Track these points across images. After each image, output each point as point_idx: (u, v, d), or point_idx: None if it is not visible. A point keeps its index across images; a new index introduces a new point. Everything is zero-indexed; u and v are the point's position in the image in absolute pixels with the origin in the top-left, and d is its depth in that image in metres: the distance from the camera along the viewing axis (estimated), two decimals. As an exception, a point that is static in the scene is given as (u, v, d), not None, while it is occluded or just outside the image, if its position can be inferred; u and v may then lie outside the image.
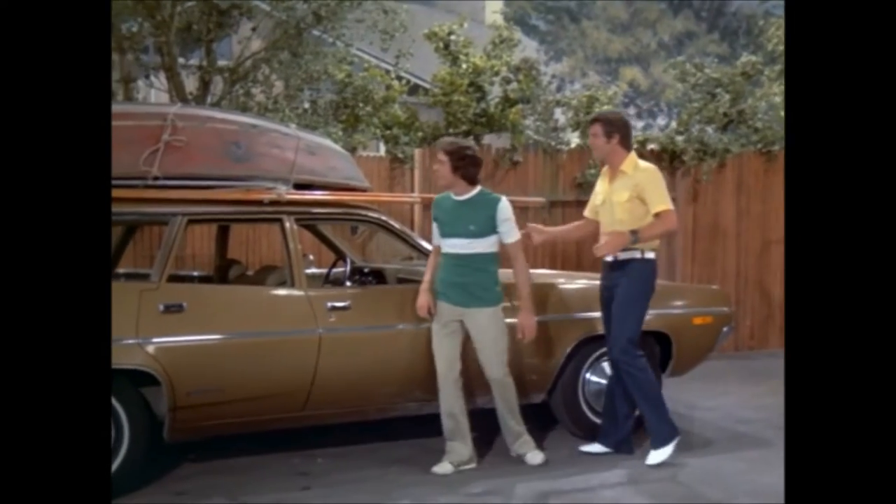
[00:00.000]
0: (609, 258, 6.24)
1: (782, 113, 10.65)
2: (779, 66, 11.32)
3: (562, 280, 7.07)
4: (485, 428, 6.41)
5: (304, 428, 6.40)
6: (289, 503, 5.54)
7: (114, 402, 5.45)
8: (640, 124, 26.00)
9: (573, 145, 10.82)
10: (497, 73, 10.46)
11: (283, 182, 6.18)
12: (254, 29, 10.45)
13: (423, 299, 6.10)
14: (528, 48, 15.60)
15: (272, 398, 5.90)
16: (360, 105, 10.13)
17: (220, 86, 10.28)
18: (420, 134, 9.95)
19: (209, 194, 5.95)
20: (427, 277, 6.16)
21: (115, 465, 5.48)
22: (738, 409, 7.84)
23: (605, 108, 10.35)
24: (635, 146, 10.22)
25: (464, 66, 10.32)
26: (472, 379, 6.15)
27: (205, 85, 10.16)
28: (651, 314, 6.86)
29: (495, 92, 10.53)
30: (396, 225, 6.52)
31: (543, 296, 6.64)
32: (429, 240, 6.44)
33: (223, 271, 7.27)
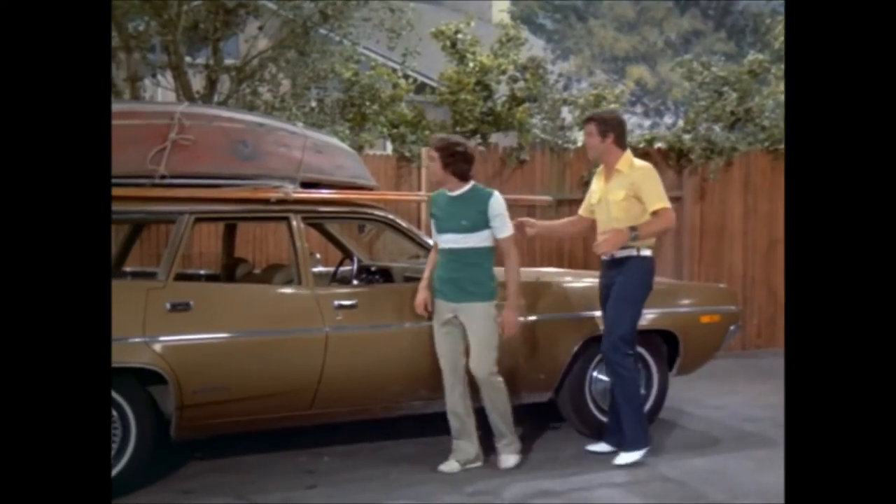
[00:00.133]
0: (606, 256, 6.24)
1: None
2: (786, 65, 11.31)
3: (569, 278, 7.07)
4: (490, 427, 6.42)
5: (311, 426, 6.41)
6: (295, 501, 5.54)
7: (121, 400, 5.46)
8: (646, 123, 25.96)
9: (580, 144, 10.79)
10: (504, 72, 10.47)
11: (290, 180, 6.18)
12: (260, 28, 10.47)
13: (420, 296, 6.11)
14: (535, 47, 15.63)
15: (279, 397, 5.90)
16: (367, 103, 10.14)
17: (227, 84, 10.30)
18: (427, 132, 9.95)
19: (216, 193, 5.95)
20: (426, 274, 6.17)
21: (122, 464, 5.49)
22: (744, 408, 7.82)
23: (612, 106, 10.36)
24: (642, 145, 10.32)
25: (471, 64, 10.33)
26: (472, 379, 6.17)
27: (211, 84, 10.17)
28: (658, 312, 6.88)
29: (502, 90, 10.53)
30: (403, 223, 6.51)
31: (550, 294, 6.64)
32: (435, 238, 6.44)
33: (230, 270, 7.27)
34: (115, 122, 5.71)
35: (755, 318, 10.74)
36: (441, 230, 6.05)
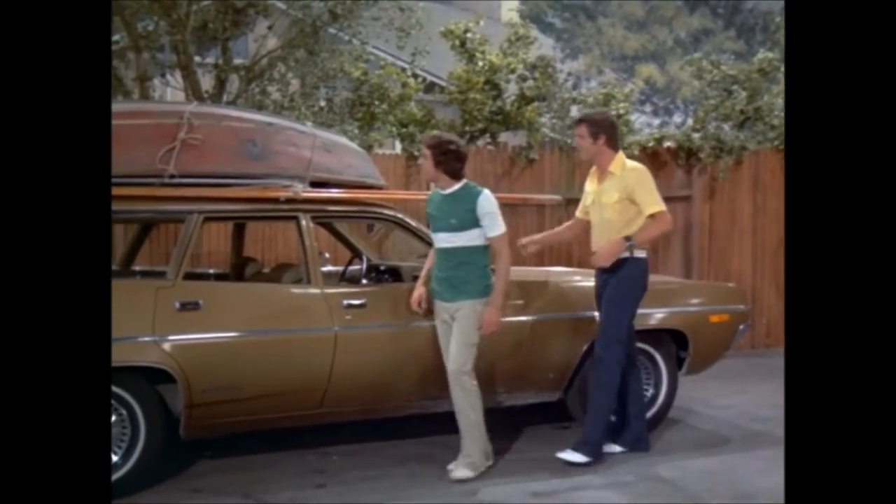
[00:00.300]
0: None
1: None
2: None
3: (578, 277, 7.07)
4: (498, 427, 6.42)
5: (320, 425, 6.41)
6: (304, 501, 5.54)
7: (130, 399, 5.48)
8: (656, 122, 25.92)
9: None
10: (513, 71, 10.46)
11: (299, 180, 6.18)
12: (270, 27, 10.49)
13: (416, 292, 6.12)
14: (545, 46, 15.62)
15: (288, 396, 5.90)
16: (376, 103, 10.13)
17: (236, 84, 10.31)
18: (436, 132, 9.94)
19: (225, 192, 5.96)
20: (423, 272, 6.19)
21: (131, 462, 5.51)
22: (754, 408, 7.81)
23: (621, 105, 10.35)
24: (652, 144, 10.30)
25: (480, 63, 10.32)
26: (482, 378, 6.17)
27: (221, 83, 10.18)
28: (668, 312, 6.88)
29: (511, 90, 10.52)
30: (412, 222, 6.51)
31: (560, 293, 6.65)
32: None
33: (239, 269, 7.28)
34: (124, 121, 5.78)
35: (764, 317, 10.71)
36: (434, 229, 6.05)
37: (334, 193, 6.37)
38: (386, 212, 6.45)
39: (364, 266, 6.86)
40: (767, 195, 10.82)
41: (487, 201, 5.89)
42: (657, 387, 6.99)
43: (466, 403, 5.88)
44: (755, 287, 10.70)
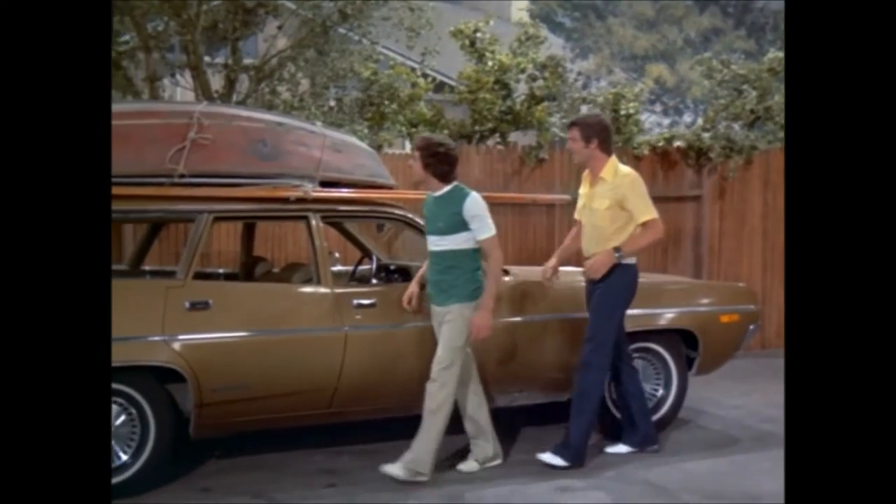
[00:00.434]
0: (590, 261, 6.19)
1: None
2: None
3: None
4: (508, 427, 6.42)
5: (330, 425, 6.42)
6: (314, 500, 5.55)
7: (140, 398, 5.50)
8: (666, 121, 25.87)
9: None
10: (523, 71, 10.44)
11: (309, 179, 6.18)
12: (280, 27, 10.49)
13: (409, 290, 6.14)
14: (554, 45, 15.61)
15: (297, 395, 5.91)
16: (386, 103, 10.13)
17: (246, 84, 10.31)
18: (446, 132, 9.94)
19: (235, 192, 5.97)
20: (420, 272, 6.19)
21: (141, 462, 5.52)
22: (763, 408, 7.79)
23: (631, 105, 10.33)
24: (661, 143, 10.28)
25: (490, 63, 10.31)
26: (487, 379, 6.17)
27: (230, 83, 10.19)
28: (678, 312, 6.88)
29: (521, 89, 10.50)
30: (422, 222, 6.50)
31: (570, 293, 6.63)
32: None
33: (249, 269, 7.29)
34: (134, 121, 5.80)
35: (775, 317, 10.68)
36: (426, 231, 6.04)
37: (344, 193, 6.37)
38: (396, 211, 6.45)
39: (374, 266, 6.85)
40: (777, 195, 10.79)
41: (474, 204, 5.84)
42: (667, 387, 6.97)
43: (432, 405, 5.80)
44: (765, 287, 10.68)
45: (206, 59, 10.26)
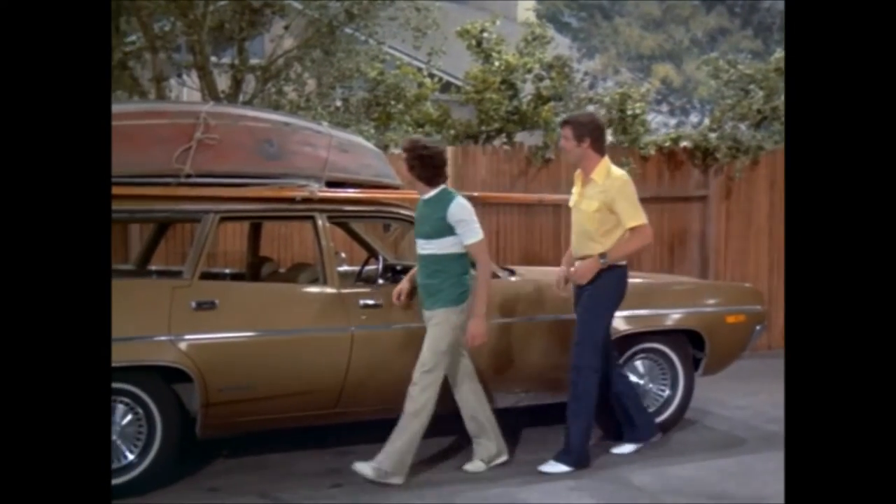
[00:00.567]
0: (578, 262, 6.17)
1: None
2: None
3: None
4: (511, 427, 6.41)
5: (336, 425, 6.42)
6: (320, 501, 5.55)
7: (146, 398, 5.50)
8: (672, 121, 25.85)
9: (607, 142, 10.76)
10: (529, 71, 10.43)
11: (315, 180, 6.18)
12: (286, 27, 10.50)
13: (399, 286, 6.13)
14: (561, 45, 15.58)
15: (304, 395, 5.91)
16: (392, 103, 10.14)
17: (253, 84, 10.34)
18: (452, 132, 9.95)
19: (241, 192, 5.97)
20: (412, 271, 6.19)
21: (147, 462, 5.53)
22: (769, 409, 7.77)
23: (638, 105, 10.31)
24: (668, 144, 10.27)
25: (496, 63, 10.30)
26: (498, 378, 6.16)
27: (237, 83, 10.21)
28: (684, 312, 6.87)
29: (528, 89, 10.49)
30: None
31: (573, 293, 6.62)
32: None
33: (255, 269, 7.29)
34: (140, 121, 5.81)
35: (781, 317, 10.66)
36: (415, 235, 6.04)
37: (350, 193, 6.37)
38: (402, 212, 6.45)
39: (380, 266, 6.84)
40: (784, 195, 10.77)
41: (459, 208, 5.80)
42: (673, 388, 6.96)
43: (411, 408, 5.77)
44: (771, 287, 10.66)
45: (213, 59, 10.29)
